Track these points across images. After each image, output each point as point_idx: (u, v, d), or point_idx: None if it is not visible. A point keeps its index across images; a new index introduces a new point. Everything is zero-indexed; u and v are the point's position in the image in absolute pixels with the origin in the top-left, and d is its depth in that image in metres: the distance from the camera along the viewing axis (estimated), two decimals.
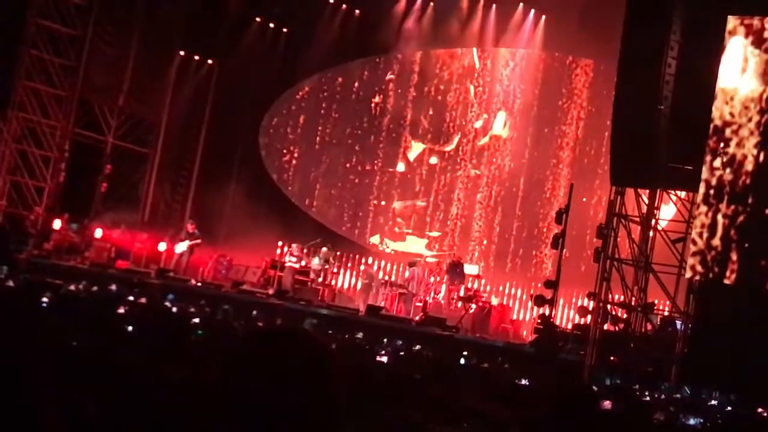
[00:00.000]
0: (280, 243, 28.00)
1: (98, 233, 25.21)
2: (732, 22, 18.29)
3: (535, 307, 22.81)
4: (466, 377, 10.45)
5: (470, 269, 27.29)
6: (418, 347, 18.39)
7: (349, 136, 30.19)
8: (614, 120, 19.28)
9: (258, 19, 29.36)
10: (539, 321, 21.37)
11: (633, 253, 19.53)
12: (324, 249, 26.31)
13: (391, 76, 30.20)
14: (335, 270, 27.66)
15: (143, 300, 16.24)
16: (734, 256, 17.93)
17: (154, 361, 4.77)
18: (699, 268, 18.22)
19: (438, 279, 27.54)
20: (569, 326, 24.30)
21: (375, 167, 30.25)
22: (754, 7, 18.54)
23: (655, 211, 19.65)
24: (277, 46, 29.68)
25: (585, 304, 22.36)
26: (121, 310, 11.58)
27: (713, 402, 17.19)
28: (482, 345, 21.61)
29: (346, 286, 28.78)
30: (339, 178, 30.25)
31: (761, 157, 17.90)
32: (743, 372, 16.99)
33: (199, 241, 25.70)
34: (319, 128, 30.26)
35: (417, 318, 23.91)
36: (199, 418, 2.52)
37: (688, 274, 18.50)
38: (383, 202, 30.17)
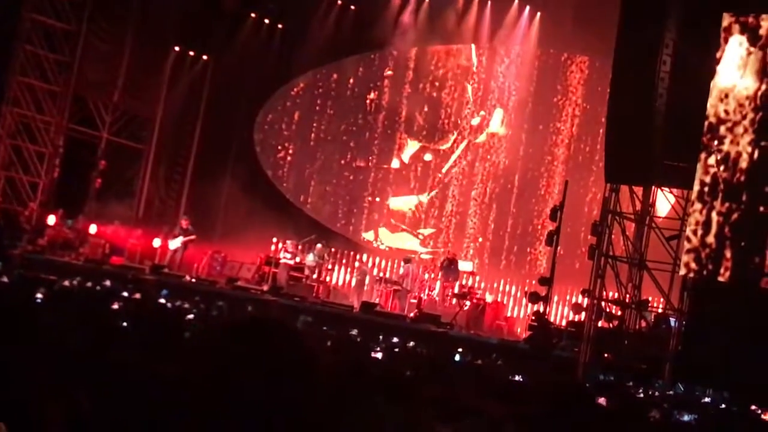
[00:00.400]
0: (274, 239, 27.99)
1: (92, 229, 25.18)
2: (727, 19, 18.29)
3: (530, 304, 22.86)
4: (460, 374, 10.45)
5: (465, 266, 27.32)
6: (412, 344, 18.41)
7: (344, 133, 30.16)
8: (609, 117, 19.30)
9: (253, 15, 29.33)
10: (533, 318, 21.40)
11: (627, 250, 19.54)
12: (319, 245, 26.30)
13: (389, 73, 30.16)
14: (330, 266, 27.65)
15: (138, 296, 16.22)
16: (728, 254, 17.95)
17: (148, 358, 4.76)
18: (693, 265, 18.24)
19: (432, 276, 27.55)
20: (563, 323, 24.32)
21: (370, 164, 30.24)
22: (749, 5, 18.55)
23: (650, 208, 19.67)
24: (272, 42, 29.64)
25: (579, 301, 22.40)
26: (116, 306, 11.56)
27: (707, 399, 17.22)
28: (476, 342, 21.63)
29: (340, 282, 28.77)
30: (334, 175, 30.23)
31: (756, 155, 17.92)
32: (737, 369, 17.01)
33: (193, 237, 25.67)
34: (314, 125, 30.24)
35: (411, 315, 23.91)
36: (192, 414, 2.52)
37: (683, 272, 18.52)
38: (378, 199, 30.16)
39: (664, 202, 20.21)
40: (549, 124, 29.38)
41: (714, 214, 18.09)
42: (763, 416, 15.03)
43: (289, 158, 30.29)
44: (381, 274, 27.65)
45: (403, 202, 30.17)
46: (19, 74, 24.97)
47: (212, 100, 29.40)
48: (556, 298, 25.36)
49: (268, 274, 25.50)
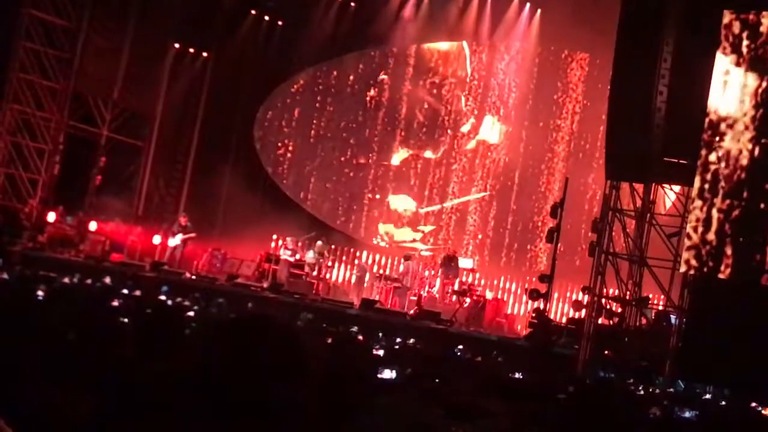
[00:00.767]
0: (274, 236, 27.98)
1: (93, 226, 25.15)
2: (728, 16, 18.28)
3: (530, 301, 22.84)
4: (460, 371, 10.43)
5: (465, 263, 27.31)
6: (412, 341, 18.39)
7: (344, 130, 30.15)
8: (610, 114, 19.28)
9: (253, 12, 29.30)
10: (534, 315, 21.39)
11: (628, 247, 19.54)
12: (319, 242, 26.29)
13: (383, 77, 30.14)
14: (330, 263, 27.65)
15: (138, 293, 16.21)
16: (729, 251, 17.94)
17: (147, 355, 4.76)
18: (694, 262, 18.23)
19: (432, 273, 27.53)
20: (564, 320, 24.32)
21: (370, 161, 30.23)
22: (750, 2, 18.53)
23: (650, 205, 19.66)
24: (272, 39, 29.61)
25: (579, 298, 22.39)
26: (116, 303, 11.54)
27: (707, 396, 17.21)
28: (477, 339, 21.63)
29: (340, 279, 28.77)
30: (334, 172, 30.21)
31: (756, 152, 17.91)
32: (737, 367, 17.02)
33: (192, 234, 25.66)
34: (314, 121, 30.22)
35: (411, 312, 23.91)
36: (188, 412, 2.51)
37: (683, 269, 18.52)
38: (378, 196, 30.15)
39: (664, 198, 20.20)
40: (549, 121, 29.39)
41: (714, 211, 18.09)
42: (763, 413, 15.02)
43: (289, 155, 30.27)
44: (381, 271, 27.65)
45: (400, 203, 30.13)
46: (19, 71, 24.94)
47: (212, 97, 29.38)
48: (556, 295, 25.38)
49: (268, 271, 25.50)
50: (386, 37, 29.24)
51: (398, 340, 18.00)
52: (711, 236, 18.08)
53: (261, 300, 21.51)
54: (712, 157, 18.21)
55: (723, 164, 18.12)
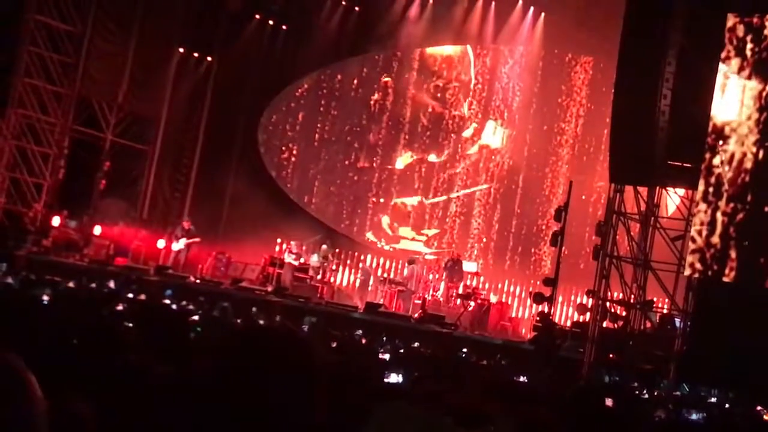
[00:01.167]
0: (279, 240, 27.99)
1: (97, 230, 25.18)
2: (732, 20, 18.27)
3: (534, 305, 22.85)
4: (464, 374, 10.44)
5: (469, 266, 27.30)
6: (416, 344, 18.41)
7: (348, 133, 30.16)
8: (614, 117, 19.26)
9: (257, 16, 29.32)
10: (538, 318, 21.38)
11: (632, 250, 19.52)
12: (323, 246, 26.31)
13: (387, 79, 30.16)
14: (334, 267, 27.65)
15: (142, 297, 16.24)
16: (733, 254, 17.92)
17: (152, 359, 4.76)
18: (698, 265, 18.21)
19: (437, 276, 27.53)
20: (568, 324, 24.29)
21: (374, 164, 30.24)
22: (754, 5, 18.52)
23: (654, 208, 19.64)
24: (276, 43, 29.63)
25: (584, 302, 22.37)
26: (120, 307, 11.57)
27: (712, 399, 17.21)
28: (481, 342, 21.62)
29: (345, 283, 28.77)
30: (338, 175, 30.21)
31: (760, 155, 17.89)
32: (742, 370, 16.99)
33: (197, 239, 25.70)
34: (318, 125, 30.22)
35: (416, 315, 23.91)
36: (192, 416, 2.53)
37: (687, 272, 18.49)
38: (382, 200, 30.16)
39: (668, 202, 20.18)
40: (553, 124, 29.39)
41: (719, 215, 18.07)
42: (766, 417, 15.02)
43: (293, 159, 30.27)
44: (385, 275, 27.65)
45: (406, 199, 30.15)
46: (24, 76, 24.99)
47: (216, 101, 29.40)
48: (560, 299, 25.34)
49: (272, 275, 25.50)
50: (390, 41, 29.26)
51: (403, 343, 18.02)
52: (715, 239, 18.06)
53: (265, 304, 21.51)
54: (716, 161, 18.19)
55: (727, 168, 18.10)
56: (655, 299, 20.12)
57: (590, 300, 20.33)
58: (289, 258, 25.66)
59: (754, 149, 17.96)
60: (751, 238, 17.91)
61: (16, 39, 24.83)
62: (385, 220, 30.11)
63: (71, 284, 16.12)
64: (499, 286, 28.64)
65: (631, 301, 19.32)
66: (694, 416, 12.40)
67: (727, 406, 16.24)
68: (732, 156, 18.08)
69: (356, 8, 29.47)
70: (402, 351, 15.97)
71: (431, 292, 26.62)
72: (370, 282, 26.63)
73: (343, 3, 29.46)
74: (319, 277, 25.85)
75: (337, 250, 28.39)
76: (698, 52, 18.32)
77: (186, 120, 29.14)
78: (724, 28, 18.22)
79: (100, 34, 26.18)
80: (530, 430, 4.07)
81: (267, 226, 27.09)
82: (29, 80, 25.07)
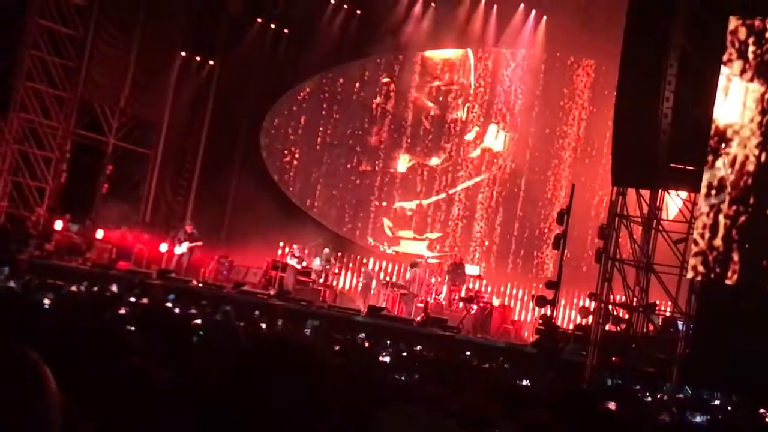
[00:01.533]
0: (281, 244, 27.98)
1: (99, 234, 25.18)
2: (734, 22, 18.26)
3: (537, 308, 22.80)
4: (467, 378, 10.43)
5: (471, 270, 27.30)
6: (419, 348, 18.39)
7: (350, 137, 30.17)
8: (616, 120, 19.26)
9: (259, 20, 29.34)
10: (541, 322, 21.36)
11: (634, 253, 19.51)
12: (325, 250, 26.31)
13: (386, 80, 30.16)
14: (336, 271, 27.65)
15: (145, 301, 16.24)
16: (736, 257, 17.90)
17: (155, 363, 4.76)
18: (701, 268, 18.19)
19: (439, 280, 27.53)
20: (571, 327, 24.30)
21: (376, 168, 30.24)
22: (756, 7, 18.52)
23: (657, 211, 19.62)
24: (278, 46, 29.65)
25: (586, 305, 22.36)
26: (122, 311, 11.56)
27: (716, 402, 17.18)
28: (483, 346, 21.61)
29: (347, 286, 28.76)
30: (340, 179, 30.22)
31: (763, 158, 17.88)
32: (745, 373, 16.97)
33: (199, 243, 25.70)
34: (320, 129, 30.24)
35: (418, 319, 23.90)
36: (196, 419, 2.53)
37: (690, 275, 18.48)
38: (384, 203, 30.16)
39: (671, 205, 20.17)
40: (555, 127, 29.41)
41: (721, 217, 18.05)
42: None
43: (295, 162, 30.28)
44: (387, 279, 27.64)
45: (404, 204, 30.13)
46: (26, 79, 24.99)
47: (218, 105, 29.41)
48: (563, 302, 25.34)
49: (274, 279, 25.49)
50: (392, 45, 29.28)
51: (405, 347, 18.01)
52: (718, 242, 18.05)
53: (268, 307, 21.50)
54: (719, 163, 18.18)
55: (730, 170, 18.09)
56: (657, 302, 20.10)
57: (593, 303, 20.31)
58: (291, 261, 25.65)
59: (757, 152, 17.94)
60: (754, 241, 17.89)
61: (18, 43, 24.84)
62: (387, 224, 30.12)
63: (74, 288, 16.11)
64: (502, 289, 28.64)
65: (634, 304, 19.30)
66: (697, 419, 12.39)
67: (730, 408, 16.21)
68: (734, 158, 18.07)
69: (358, 12, 29.50)
70: (405, 354, 15.95)
71: (434, 295, 26.62)
72: (373, 285, 26.62)
73: (345, 6, 29.49)
74: (321, 280, 25.85)
75: (339, 254, 28.40)
76: (700, 54, 18.32)
77: (188, 124, 29.16)
78: (726, 30, 18.22)
79: (102, 38, 26.19)
80: None
81: (269, 229, 27.08)
82: (31, 84, 25.08)
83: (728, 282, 17.97)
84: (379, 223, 30.08)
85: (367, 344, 16.92)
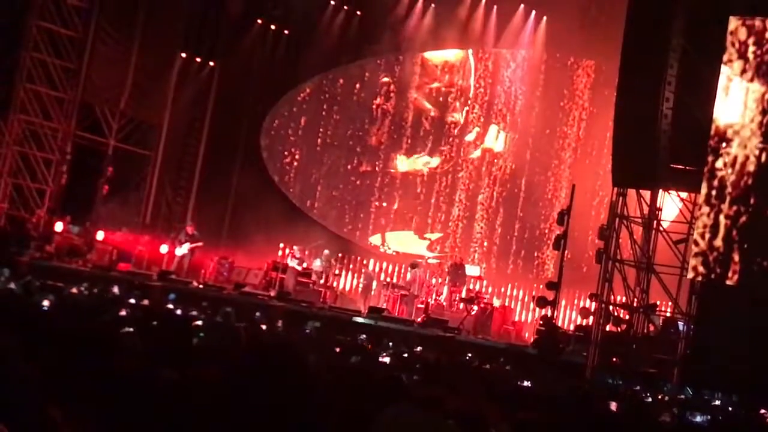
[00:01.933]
0: (281, 245, 27.98)
1: (100, 236, 25.18)
2: (734, 22, 18.27)
3: (537, 309, 22.81)
4: (468, 379, 10.43)
5: (472, 270, 27.29)
6: (419, 349, 18.38)
7: (350, 138, 30.17)
8: (616, 121, 19.27)
9: (259, 21, 29.35)
10: (541, 322, 21.36)
11: (635, 254, 19.51)
12: (326, 251, 26.31)
13: (386, 79, 30.16)
14: (337, 272, 27.64)
15: (145, 302, 16.23)
16: (736, 257, 17.91)
17: (156, 364, 4.76)
18: (701, 269, 18.20)
19: (439, 280, 27.52)
20: (571, 327, 24.28)
21: (376, 168, 30.24)
22: (756, 8, 18.52)
23: (657, 211, 19.62)
24: (278, 47, 29.65)
25: (587, 305, 22.35)
26: (123, 313, 11.56)
27: (716, 402, 17.18)
28: (484, 346, 21.60)
29: (348, 287, 28.76)
30: (340, 180, 30.22)
31: (763, 158, 17.88)
32: (745, 373, 16.97)
33: (200, 243, 25.69)
34: (321, 130, 30.23)
35: (419, 320, 23.90)
36: (197, 420, 2.54)
37: (690, 275, 18.48)
38: (384, 204, 30.16)
39: (671, 205, 20.17)
40: (556, 128, 29.41)
41: (722, 218, 18.06)
42: None
43: (295, 163, 30.28)
44: (388, 279, 27.63)
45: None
46: (26, 81, 24.99)
47: (219, 106, 29.41)
48: (563, 303, 25.33)
49: (275, 280, 25.48)
50: (392, 46, 29.28)
51: (406, 348, 18.00)
52: (718, 242, 18.05)
53: (268, 309, 21.49)
54: (719, 164, 18.19)
55: (730, 170, 18.09)
56: (658, 302, 20.11)
57: (593, 303, 20.32)
58: (292, 263, 25.65)
59: (757, 152, 17.95)
60: (754, 241, 17.90)
61: (18, 44, 24.84)
62: (387, 225, 30.13)
63: (74, 290, 16.10)
64: (502, 289, 28.63)
65: (635, 304, 19.31)
66: (698, 419, 12.38)
67: (730, 409, 16.21)
68: (735, 159, 18.08)
69: (358, 12, 29.50)
70: (405, 355, 15.94)
71: (434, 296, 26.62)
72: (373, 286, 26.61)
73: (345, 8, 29.50)
74: (322, 281, 25.85)
75: (339, 255, 28.40)
76: (700, 54, 18.33)
77: (188, 125, 29.16)
78: (726, 30, 18.22)
79: (102, 39, 26.18)
80: None
81: (270, 230, 27.08)
82: (31, 86, 25.08)
83: (729, 282, 17.98)
84: (379, 223, 30.07)
85: (367, 345, 16.91)
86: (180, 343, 5.71)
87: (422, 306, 25.24)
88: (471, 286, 26.77)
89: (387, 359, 13.88)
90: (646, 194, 19.58)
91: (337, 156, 30.20)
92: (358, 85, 30.19)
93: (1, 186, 25.09)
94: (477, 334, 23.84)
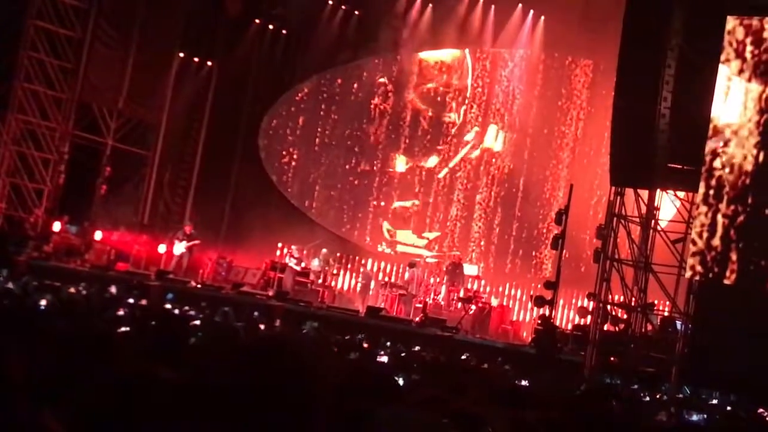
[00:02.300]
0: (279, 244, 27.99)
1: (98, 235, 25.19)
2: (731, 22, 18.27)
3: (535, 308, 22.81)
4: (465, 378, 10.43)
5: (470, 270, 27.29)
6: (417, 348, 18.38)
7: (349, 137, 30.17)
8: (614, 120, 19.27)
9: (257, 21, 29.36)
10: (539, 322, 21.36)
11: (633, 253, 19.52)
12: (324, 250, 26.31)
13: (383, 80, 30.16)
14: (335, 271, 27.65)
15: (143, 302, 16.23)
16: (734, 256, 17.92)
17: (153, 364, 4.76)
18: (699, 268, 18.20)
19: (438, 280, 27.53)
20: (569, 327, 24.30)
21: (374, 168, 30.24)
22: (754, 8, 18.53)
23: (655, 211, 19.63)
24: (276, 47, 29.67)
25: (585, 305, 22.37)
26: (121, 312, 11.56)
27: (714, 401, 17.19)
28: (482, 346, 21.60)
29: (346, 287, 28.76)
30: (338, 180, 30.22)
31: (761, 157, 17.89)
32: (743, 372, 16.98)
33: (197, 242, 25.69)
34: (319, 129, 30.23)
35: (417, 319, 23.90)
36: (196, 420, 2.55)
37: (688, 275, 18.49)
38: (383, 203, 30.16)
39: (669, 205, 20.18)
40: (553, 127, 29.40)
41: (719, 217, 18.06)
42: None
43: (293, 163, 30.28)
44: (386, 279, 27.64)
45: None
46: (24, 81, 25.00)
47: (217, 106, 29.42)
48: (561, 302, 25.32)
49: (273, 280, 25.49)
50: (390, 45, 29.27)
51: (404, 347, 18.00)
52: (716, 242, 18.06)
53: (266, 308, 21.50)
54: (717, 163, 18.19)
55: (727, 170, 18.10)
56: (656, 302, 20.13)
57: (591, 303, 20.34)
58: (290, 262, 25.66)
59: (755, 151, 17.96)
60: (752, 241, 17.91)
61: (16, 44, 24.84)
62: (386, 225, 30.12)
63: (72, 289, 16.10)
64: (500, 289, 28.64)
65: (632, 303, 19.32)
66: (696, 418, 12.40)
67: (728, 408, 16.21)
68: (732, 158, 18.09)
69: (356, 12, 29.51)
70: (403, 354, 15.94)
71: (432, 295, 26.61)
72: (371, 286, 26.62)
73: (343, 7, 29.50)
74: (320, 281, 25.86)
75: (338, 255, 28.39)
76: (698, 54, 18.33)
77: (186, 125, 29.17)
78: (724, 30, 18.23)
79: (100, 39, 26.18)
80: None
81: (268, 230, 27.08)
82: (29, 85, 25.08)
83: (726, 282, 17.99)
84: (377, 223, 30.08)
85: (365, 345, 16.91)
86: (178, 343, 5.70)
87: (420, 305, 25.24)
88: (469, 286, 26.77)
89: (385, 358, 13.88)
90: (644, 194, 19.58)
91: (335, 156, 30.20)
92: (356, 85, 30.20)
93: None
94: (475, 334, 23.84)
